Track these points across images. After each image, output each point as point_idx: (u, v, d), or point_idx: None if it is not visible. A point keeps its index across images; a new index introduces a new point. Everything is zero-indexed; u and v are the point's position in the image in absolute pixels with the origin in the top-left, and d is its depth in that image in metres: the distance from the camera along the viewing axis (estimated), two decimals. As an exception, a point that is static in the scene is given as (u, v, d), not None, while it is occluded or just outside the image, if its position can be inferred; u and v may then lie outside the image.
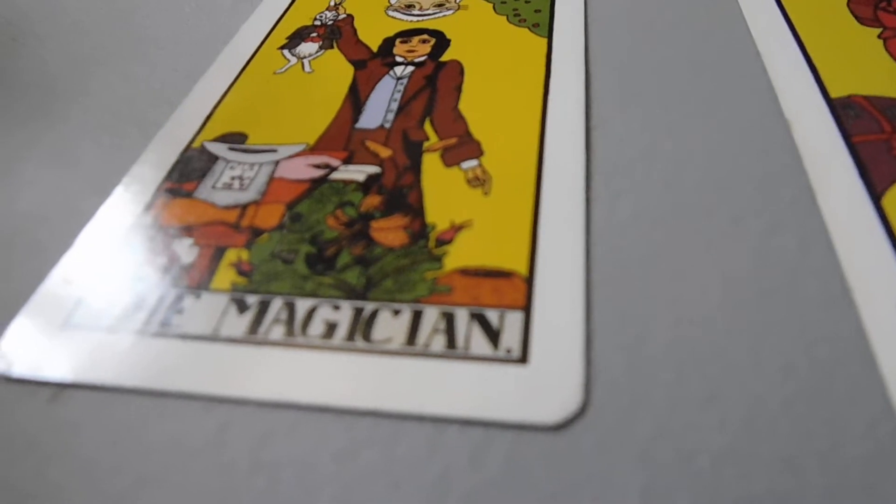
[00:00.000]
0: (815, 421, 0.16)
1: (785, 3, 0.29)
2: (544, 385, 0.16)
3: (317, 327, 0.18)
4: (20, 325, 0.19)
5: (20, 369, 0.18)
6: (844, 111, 0.23)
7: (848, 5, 0.29)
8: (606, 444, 0.15)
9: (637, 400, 0.16)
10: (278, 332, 0.18)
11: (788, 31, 0.27)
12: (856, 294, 0.18)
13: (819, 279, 0.18)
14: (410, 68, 0.27)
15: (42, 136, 0.27)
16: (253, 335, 0.18)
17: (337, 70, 0.28)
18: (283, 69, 0.28)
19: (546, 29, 0.29)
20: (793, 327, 0.17)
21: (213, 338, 0.18)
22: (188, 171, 0.23)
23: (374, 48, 0.29)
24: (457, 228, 0.20)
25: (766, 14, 0.28)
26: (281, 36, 0.31)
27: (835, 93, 0.24)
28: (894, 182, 0.20)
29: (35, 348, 0.18)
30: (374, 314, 0.18)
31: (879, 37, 0.27)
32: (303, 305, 0.19)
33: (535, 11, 0.30)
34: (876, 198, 0.20)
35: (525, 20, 0.30)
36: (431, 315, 0.18)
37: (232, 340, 0.18)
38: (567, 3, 0.31)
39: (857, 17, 0.28)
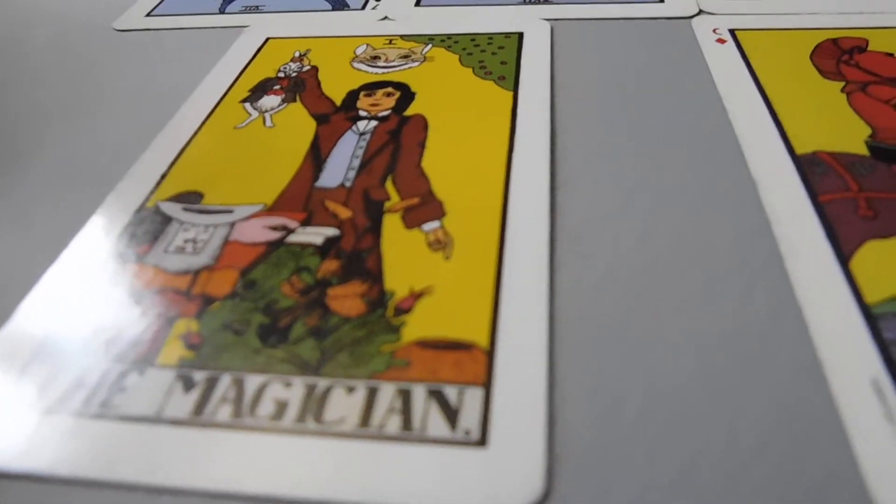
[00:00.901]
0: (791, 499, 0.15)
1: (750, 56, 0.29)
2: (504, 470, 0.15)
3: (266, 407, 0.17)
4: (-49, 406, 0.18)
5: (-53, 457, 0.17)
6: (811, 168, 0.23)
7: (811, 58, 0.29)
8: (570, 536, 0.15)
9: (604, 483, 0.15)
10: (225, 412, 0.17)
11: (754, 85, 0.27)
12: (826, 366, 0.17)
13: (791, 348, 0.18)
14: (374, 123, 0.27)
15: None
16: (198, 416, 0.17)
17: (299, 125, 0.27)
18: (243, 124, 0.28)
19: (512, 82, 0.29)
20: (766, 401, 0.17)
21: (156, 419, 0.17)
22: (140, 234, 0.23)
23: (338, 101, 0.29)
24: (416, 296, 0.20)
25: (732, 68, 0.28)
26: (244, 88, 0.30)
27: (800, 149, 0.24)
28: (862, 244, 0.20)
29: (-33, 432, 0.17)
30: (327, 391, 0.17)
31: (843, 91, 0.27)
32: (253, 382, 0.18)
33: (502, 63, 0.30)
34: (844, 261, 0.19)
35: (491, 73, 0.29)
36: (387, 392, 0.17)
37: (176, 422, 0.17)
38: (533, 57, 0.30)
39: (820, 71, 0.28)
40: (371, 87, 0.29)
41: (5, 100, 0.32)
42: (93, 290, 0.21)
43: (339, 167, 0.25)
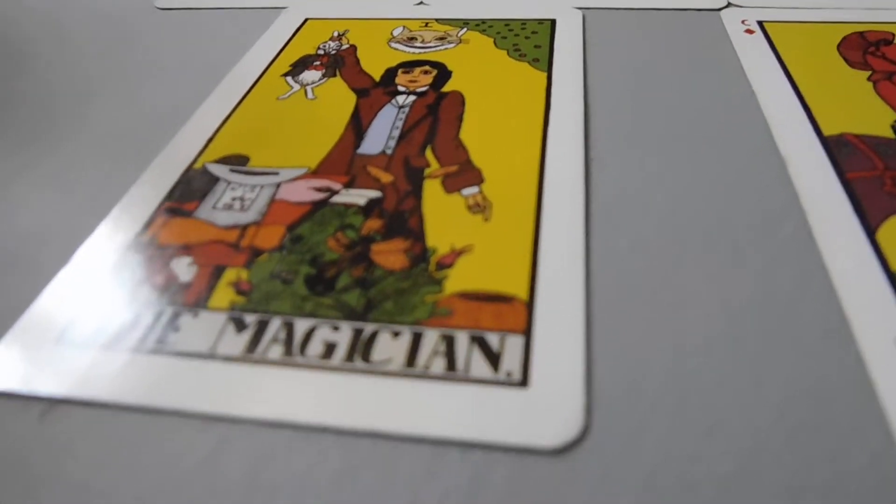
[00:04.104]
0: (818, 452, 0.16)
1: (778, 46, 0.30)
2: (545, 409, 0.16)
3: (315, 347, 0.18)
4: (12, 339, 0.19)
5: (10, 383, 0.17)
6: (838, 149, 0.24)
7: (838, 49, 0.29)
8: (608, 471, 0.15)
9: (639, 427, 0.16)
10: (276, 351, 0.18)
11: (782, 72, 0.28)
12: (854, 327, 0.18)
13: (818, 311, 0.19)
14: (412, 97, 0.28)
15: (43, 158, 0.27)
16: (251, 354, 0.18)
17: (339, 97, 0.28)
18: (286, 95, 0.29)
19: (546, 63, 0.29)
20: (794, 358, 0.17)
21: (210, 356, 0.18)
22: (189, 191, 0.23)
23: (377, 78, 0.29)
24: (457, 253, 0.20)
25: (761, 55, 0.29)
26: (285, 63, 0.31)
27: (828, 131, 0.24)
28: (888, 217, 0.21)
29: (27, 363, 0.18)
30: (373, 335, 0.18)
31: (869, 79, 0.27)
32: (302, 325, 0.18)
33: (535, 47, 0.31)
34: (870, 233, 0.20)
35: (525, 55, 0.30)
36: (431, 337, 0.18)
37: (229, 359, 0.18)
38: (566, 40, 0.31)
39: (847, 61, 0.29)
40: (409, 65, 0.30)
41: (48, 74, 0.33)
42: (143, 241, 0.22)
43: (380, 136, 0.26)
